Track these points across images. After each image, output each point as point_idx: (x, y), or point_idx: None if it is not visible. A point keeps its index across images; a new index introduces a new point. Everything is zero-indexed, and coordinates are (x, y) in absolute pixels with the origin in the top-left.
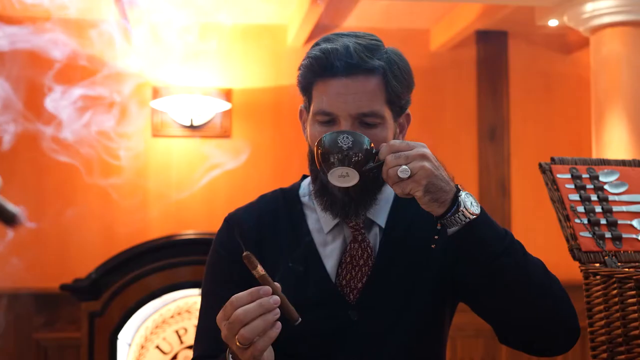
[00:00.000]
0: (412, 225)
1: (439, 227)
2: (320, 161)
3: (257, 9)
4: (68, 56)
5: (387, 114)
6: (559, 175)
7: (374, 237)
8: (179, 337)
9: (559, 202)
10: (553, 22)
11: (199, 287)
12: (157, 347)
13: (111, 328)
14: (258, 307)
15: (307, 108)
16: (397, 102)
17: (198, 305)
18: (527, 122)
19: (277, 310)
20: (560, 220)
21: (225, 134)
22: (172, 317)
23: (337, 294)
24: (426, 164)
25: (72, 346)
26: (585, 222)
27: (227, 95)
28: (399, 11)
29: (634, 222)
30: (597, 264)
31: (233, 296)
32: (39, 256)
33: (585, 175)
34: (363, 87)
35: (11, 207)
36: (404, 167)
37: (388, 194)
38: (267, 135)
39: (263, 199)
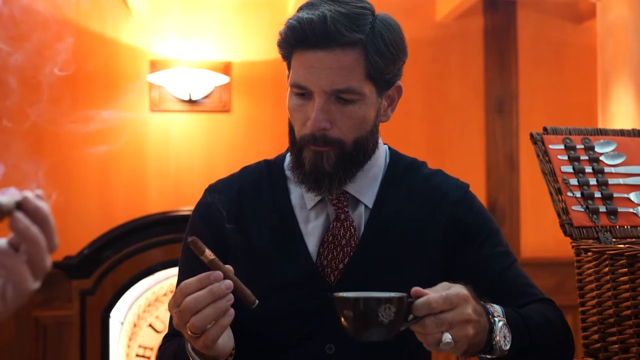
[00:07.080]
0: (404, 206)
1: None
2: (349, 326)
3: None
4: (62, 30)
5: (368, 89)
6: (551, 146)
7: (358, 217)
8: None
9: (550, 174)
10: None
11: None
12: (150, 325)
13: (103, 306)
14: (208, 294)
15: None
16: (380, 77)
17: None
18: (537, 94)
19: (230, 296)
20: (551, 194)
21: (224, 108)
22: (165, 295)
23: (317, 274)
24: (471, 330)
25: (70, 323)
26: (578, 195)
27: (226, 68)
28: None
29: (632, 196)
30: (590, 240)
31: (182, 283)
32: None
33: (579, 146)
34: (339, 61)
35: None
36: (447, 337)
37: (376, 171)
38: (267, 109)
39: (246, 170)
